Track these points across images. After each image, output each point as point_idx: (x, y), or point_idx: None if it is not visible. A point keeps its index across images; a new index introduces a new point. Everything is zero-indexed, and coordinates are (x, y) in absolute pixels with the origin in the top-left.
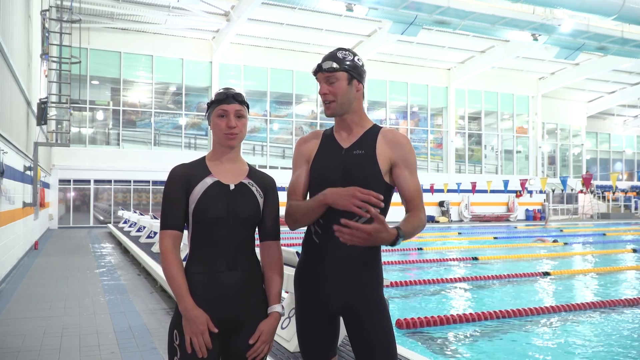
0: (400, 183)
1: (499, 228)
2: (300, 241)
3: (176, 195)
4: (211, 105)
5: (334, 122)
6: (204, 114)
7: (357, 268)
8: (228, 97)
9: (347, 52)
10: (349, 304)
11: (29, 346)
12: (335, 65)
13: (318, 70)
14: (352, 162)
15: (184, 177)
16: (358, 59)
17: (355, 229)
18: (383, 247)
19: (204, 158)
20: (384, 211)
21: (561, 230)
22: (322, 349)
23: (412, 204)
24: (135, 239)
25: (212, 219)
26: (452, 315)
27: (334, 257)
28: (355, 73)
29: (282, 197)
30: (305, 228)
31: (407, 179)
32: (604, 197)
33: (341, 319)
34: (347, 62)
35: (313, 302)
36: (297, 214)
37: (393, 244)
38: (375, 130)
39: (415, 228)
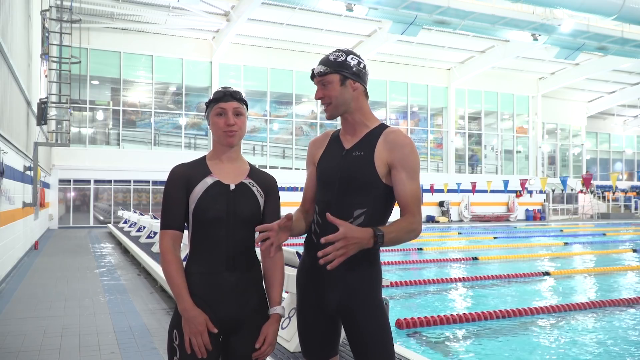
0: (396, 186)
1: (499, 228)
2: (301, 241)
3: (176, 195)
4: (210, 104)
5: (333, 123)
6: (204, 113)
7: (355, 268)
8: (226, 95)
9: (339, 53)
10: (345, 304)
11: (29, 346)
12: (324, 68)
13: (313, 76)
14: (350, 164)
15: (184, 176)
16: (352, 58)
17: (329, 240)
18: (383, 247)
19: (204, 158)
20: (385, 214)
21: (561, 231)
22: (323, 349)
23: (407, 209)
24: (135, 239)
25: (212, 219)
26: (452, 315)
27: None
28: (348, 73)
29: (284, 196)
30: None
31: (404, 182)
32: (604, 197)
33: None
34: (338, 63)
35: (313, 301)
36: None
37: (375, 243)
38: (379, 130)
39: (401, 230)
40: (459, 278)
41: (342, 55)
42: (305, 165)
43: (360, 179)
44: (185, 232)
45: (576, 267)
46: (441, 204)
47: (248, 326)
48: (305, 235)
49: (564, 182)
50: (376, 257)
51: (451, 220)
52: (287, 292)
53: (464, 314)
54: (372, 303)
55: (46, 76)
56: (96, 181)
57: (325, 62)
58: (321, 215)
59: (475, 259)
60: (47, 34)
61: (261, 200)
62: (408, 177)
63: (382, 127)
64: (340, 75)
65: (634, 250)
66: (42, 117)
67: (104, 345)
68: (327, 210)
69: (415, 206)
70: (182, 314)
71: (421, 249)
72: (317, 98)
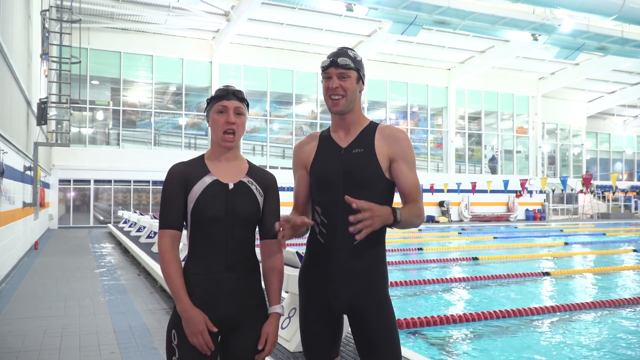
0: (398, 178)
1: (499, 228)
2: (300, 242)
3: (175, 194)
4: (211, 101)
5: (329, 123)
6: (204, 113)
7: (363, 266)
8: (228, 93)
9: (355, 52)
10: (355, 302)
11: (29, 346)
12: (350, 62)
13: (331, 65)
14: (352, 162)
15: (182, 176)
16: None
17: (361, 209)
18: (398, 228)
19: (202, 156)
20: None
21: (561, 231)
22: (327, 349)
23: (411, 198)
24: (135, 239)
25: (211, 218)
26: (452, 315)
27: (339, 256)
28: (362, 73)
29: (284, 196)
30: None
31: (406, 173)
32: (604, 197)
33: (345, 318)
34: (358, 62)
35: (319, 301)
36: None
37: (395, 219)
38: (372, 127)
39: (412, 214)
40: (459, 278)
41: (358, 55)
42: (293, 170)
43: (365, 175)
44: (185, 231)
45: (576, 267)
46: (441, 204)
47: (247, 326)
48: (307, 236)
49: (564, 182)
50: (384, 255)
51: (451, 220)
52: (287, 292)
53: (464, 314)
54: (382, 300)
55: (46, 76)
56: (96, 181)
57: (347, 55)
58: (325, 215)
59: (475, 259)
60: (47, 34)
61: (260, 199)
62: (409, 169)
63: (373, 124)
64: (358, 73)
65: (634, 250)
66: (42, 117)
67: (104, 345)
68: (332, 209)
69: (417, 194)
70: (181, 314)
71: (421, 249)
72: (333, 87)
